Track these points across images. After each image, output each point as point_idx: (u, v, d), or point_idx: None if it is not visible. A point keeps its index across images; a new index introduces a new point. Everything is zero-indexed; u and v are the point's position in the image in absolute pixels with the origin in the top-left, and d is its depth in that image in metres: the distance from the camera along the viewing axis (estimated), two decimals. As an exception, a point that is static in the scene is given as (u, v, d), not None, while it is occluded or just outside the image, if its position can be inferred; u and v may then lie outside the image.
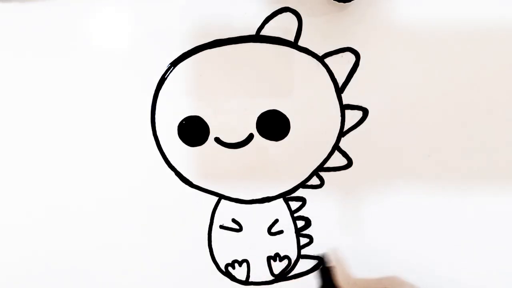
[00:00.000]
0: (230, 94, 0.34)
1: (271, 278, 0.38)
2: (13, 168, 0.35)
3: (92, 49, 0.34)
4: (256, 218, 0.36)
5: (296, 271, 0.38)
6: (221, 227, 0.37)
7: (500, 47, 0.33)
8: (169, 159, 0.35)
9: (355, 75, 0.34)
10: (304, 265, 0.37)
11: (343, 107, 0.34)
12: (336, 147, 0.35)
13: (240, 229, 0.37)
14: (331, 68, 0.34)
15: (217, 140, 0.35)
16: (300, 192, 0.36)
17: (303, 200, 0.36)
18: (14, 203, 0.36)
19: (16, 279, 0.38)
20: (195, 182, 0.36)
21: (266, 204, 0.36)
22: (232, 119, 0.34)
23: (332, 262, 0.36)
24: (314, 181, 0.36)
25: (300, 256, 0.37)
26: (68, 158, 0.35)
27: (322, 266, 0.36)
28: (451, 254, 0.37)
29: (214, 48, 0.33)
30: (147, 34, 0.33)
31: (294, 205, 0.36)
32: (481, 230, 0.36)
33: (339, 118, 0.34)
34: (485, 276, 0.37)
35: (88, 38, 0.33)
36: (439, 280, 0.37)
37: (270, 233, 0.37)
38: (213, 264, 0.37)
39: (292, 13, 0.33)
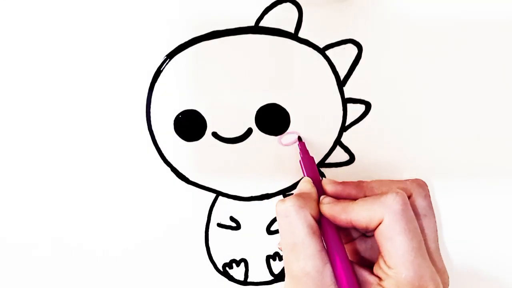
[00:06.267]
0: (228, 87, 0.33)
1: (270, 278, 0.37)
2: (6, 161, 0.35)
3: (86, 41, 0.33)
4: (255, 215, 0.36)
5: (296, 271, 0.37)
6: (219, 225, 0.36)
7: (507, 38, 0.33)
8: (165, 154, 0.34)
9: (357, 67, 0.33)
10: (305, 264, 0.37)
11: (345, 101, 0.34)
12: (337, 142, 0.34)
13: (238, 227, 0.36)
14: (333, 61, 0.33)
15: (215, 135, 0.34)
16: (300, 189, 0.35)
17: (303, 197, 0.35)
18: (8, 199, 0.35)
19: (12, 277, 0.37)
20: (191, 179, 0.35)
21: (265, 201, 0.35)
22: (230, 113, 0.34)
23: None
24: (315, 177, 0.35)
25: (300, 256, 0.37)
26: (60, 154, 0.34)
27: None
28: (452, 251, 0.36)
29: (212, 40, 0.33)
30: (142, 25, 0.32)
31: (294, 202, 0.36)
32: (483, 227, 0.35)
33: (341, 112, 0.34)
34: (488, 277, 0.36)
35: (82, 29, 0.33)
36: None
37: (269, 231, 0.36)
38: (210, 263, 0.36)
39: (292, 3, 0.32)
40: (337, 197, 0.29)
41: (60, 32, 0.33)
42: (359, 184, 0.30)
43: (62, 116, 0.34)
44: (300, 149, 0.32)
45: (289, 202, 0.27)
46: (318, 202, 0.29)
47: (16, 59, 0.33)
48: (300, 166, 0.31)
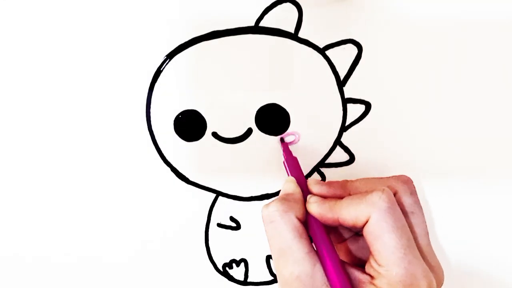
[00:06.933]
0: (228, 88, 0.33)
1: (270, 278, 0.37)
2: (5, 162, 0.35)
3: (86, 41, 0.33)
4: (255, 215, 0.35)
5: (296, 271, 0.37)
6: (219, 225, 0.36)
7: (507, 38, 0.32)
8: (165, 154, 0.34)
9: (357, 68, 0.33)
10: (305, 264, 0.37)
11: (345, 101, 0.34)
12: (337, 142, 0.34)
13: (238, 227, 0.36)
14: (333, 61, 0.33)
15: (215, 135, 0.34)
16: (300, 189, 0.35)
17: (303, 197, 0.35)
18: (6, 200, 0.35)
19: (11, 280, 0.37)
20: (191, 179, 0.35)
21: (265, 201, 0.35)
22: (230, 113, 0.33)
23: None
24: (315, 177, 0.35)
25: (300, 256, 0.36)
26: (59, 154, 0.34)
27: None
28: (451, 251, 0.36)
29: (212, 40, 0.32)
30: (142, 25, 0.32)
31: (294, 202, 0.35)
32: (483, 227, 0.35)
33: (341, 112, 0.34)
34: (487, 277, 0.36)
35: (82, 29, 0.32)
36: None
37: (269, 231, 0.36)
38: (210, 263, 0.36)
39: (292, 3, 0.32)
40: (323, 197, 0.29)
41: (60, 32, 0.32)
42: (344, 184, 0.29)
43: (62, 116, 0.34)
44: (283, 149, 0.32)
45: (273, 207, 0.27)
46: (303, 202, 0.29)
47: (17, 59, 0.33)
48: (284, 167, 0.31)
